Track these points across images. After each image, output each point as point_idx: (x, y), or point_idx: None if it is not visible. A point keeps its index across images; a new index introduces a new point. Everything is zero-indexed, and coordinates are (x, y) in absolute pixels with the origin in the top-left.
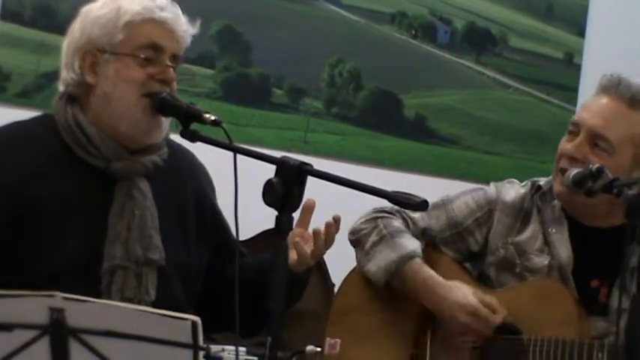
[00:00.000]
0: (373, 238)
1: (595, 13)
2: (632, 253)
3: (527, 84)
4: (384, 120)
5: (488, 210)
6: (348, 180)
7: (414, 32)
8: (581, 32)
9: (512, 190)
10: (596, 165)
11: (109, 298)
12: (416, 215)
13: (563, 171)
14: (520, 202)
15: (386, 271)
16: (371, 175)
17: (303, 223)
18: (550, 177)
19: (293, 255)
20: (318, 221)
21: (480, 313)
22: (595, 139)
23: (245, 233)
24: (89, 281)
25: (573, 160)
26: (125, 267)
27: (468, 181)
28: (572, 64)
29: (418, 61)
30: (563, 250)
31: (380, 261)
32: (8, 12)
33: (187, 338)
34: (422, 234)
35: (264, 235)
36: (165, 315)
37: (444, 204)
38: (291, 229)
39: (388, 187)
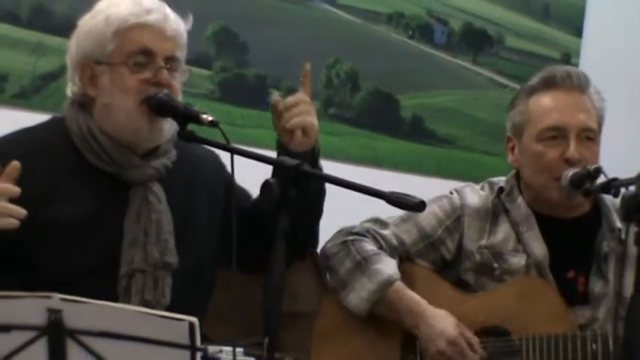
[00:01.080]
0: (347, 264)
1: (592, 13)
2: (603, 239)
3: (523, 84)
4: (381, 121)
5: (456, 217)
6: (345, 180)
7: (411, 33)
8: (578, 32)
9: (474, 194)
10: (594, 165)
11: (128, 301)
12: (386, 232)
13: (559, 178)
14: (485, 204)
15: (368, 301)
16: (368, 175)
17: (305, 88)
18: (506, 176)
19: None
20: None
21: (459, 345)
22: (585, 134)
23: None
24: (105, 285)
25: (575, 163)
26: (144, 270)
27: (465, 182)
28: (569, 64)
29: (415, 62)
30: (538, 246)
31: (360, 292)
32: (5, 13)
33: (185, 339)
34: (394, 249)
35: None
36: (162, 316)
37: (411, 216)
38: (288, 229)
39: (385, 188)
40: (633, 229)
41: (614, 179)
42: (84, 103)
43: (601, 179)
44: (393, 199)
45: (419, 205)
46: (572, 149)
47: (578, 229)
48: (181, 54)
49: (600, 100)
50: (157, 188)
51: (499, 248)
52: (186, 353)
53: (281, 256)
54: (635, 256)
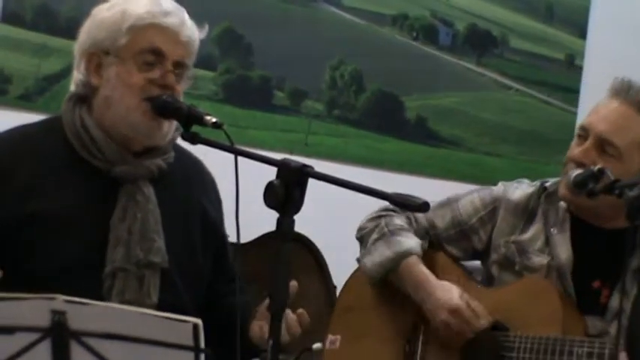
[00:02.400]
0: (374, 235)
1: (596, 14)
2: (633, 256)
3: (528, 85)
4: (385, 122)
5: (492, 208)
6: (349, 182)
7: (415, 34)
8: (582, 34)
9: (520, 190)
10: (598, 166)
11: (110, 300)
12: (420, 215)
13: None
14: (526, 201)
15: (381, 266)
16: (372, 177)
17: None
18: (558, 178)
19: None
20: (319, 223)
21: (463, 314)
22: (603, 145)
23: (246, 235)
24: (91, 284)
25: (581, 165)
26: (126, 269)
27: (470, 183)
28: (573, 65)
29: (419, 63)
30: (564, 250)
31: (375, 257)
32: (9, 14)
33: (189, 340)
34: (426, 232)
35: (266, 237)
36: (166, 317)
37: (450, 203)
38: (292, 231)
39: (389, 189)
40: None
41: (618, 180)
42: (84, 96)
43: (605, 180)
44: (397, 201)
45: (422, 206)
46: (579, 150)
47: (613, 241)
48: (190, 62)
49: None
50: (147, 188)
51: (525, 245)
52: (190, 355)
53: (285, 257)
54: None
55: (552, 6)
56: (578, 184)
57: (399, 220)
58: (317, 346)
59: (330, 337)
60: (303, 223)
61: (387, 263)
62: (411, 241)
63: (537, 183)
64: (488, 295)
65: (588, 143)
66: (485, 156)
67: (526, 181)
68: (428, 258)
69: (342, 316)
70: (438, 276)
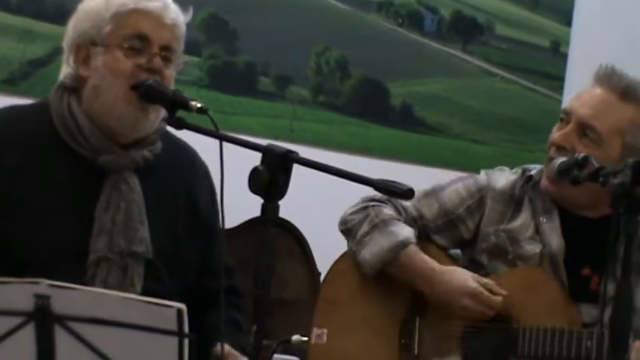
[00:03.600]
0: (365, 227)
1: (581, 2)
2: (619, 242)
3: (513, 72)
4: (370, 108)
5: (479, 197)
6: (334, 168)
7: (400, 20)
8: (567, 21)
9: (503, 177)
10: (582, 154)
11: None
12: (407, 204)
13: (552, 160)
14: (511, 189)
15: (381, 258)
16: (357, 163)
17: None
18: (541, 165)
19: None
20: (305, 209)
21: (481, 296)
22: (584, 129)
23: (231, 221)
24: (75, 273)
25: (562, 149)
26: (108, 259)
27: (455, 170)
28: (558, 52)
29: (405, 50)
30: (554, 238)
31: (374, 248)
32: None
33: (172, 325)
34: (414, 222)
35: (250, 223)
36: (150, 302)
37: (435, 192)
38: (277, 217)
39: (374, 176)
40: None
41: (602, 168)
42: (73, 87)
43: (590, 168)
44: (382, 187)
45: (407, 193)
46: (559, 134)
47: (601, 229)
48: (177, 45)
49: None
50: (132, 178)
51: (516, 234)
52: (174, 339)
53: (269, 242)
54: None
55: None
56: (563, 172)
57: (388, 210)
58: (296, 338)
59: (316, 330)
60: (288, 208)
61: (385, 254)
62: (405, 231)
63: (518, 170)
64: None
65: (569, 127)
66: (470, 143)
67: (506, 168)
68: (421, 248)
69: (326, 309)
70: None
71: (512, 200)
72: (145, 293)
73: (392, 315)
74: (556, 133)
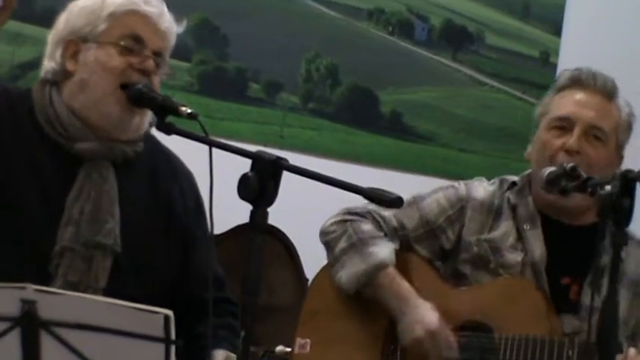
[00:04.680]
0: (342, 244)
1: (572, 12)
2: (604, 252)
3: (503, 82)
4: (360, 116)
5: (460, 207)
6: (324, 175)
7: (391, 29)
8: (557, 31)
9: (481, 188)
10: (570, 164)
11: (55, 280)
12: (387, 214)
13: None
14: (490, 199)
15: (356, 279)
16: (346, 170)
17: None
18: (523, 174)
19: None
20: (293, 216)
21: (438, 338)
22: (592, 131)
23: (219, 227)
24: (41, 262)
25: (575, 153)
26: (73, 249)
27: (443, 178)
28: (548, 63)
29: (395, 58)
30: (537, 246)
31: (351, 269)
32: None
33: (159, 332)
34: (395, 232)
35: (238, 229)
36: (137, 308)
37: (415, 202)
38: (266, 223)
39: (363, 183)
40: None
41: (590, 178)
42: (55, 82)
43: (578, 178)
44: (371, 195)
45: (396, 201)
46: (573, 139)
47: (582, 238)
48: (167, 54)
49: (627, 113)
50: (106, 169)
51: (498, 243)
52: (161, 346)
53: (258, 249)
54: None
55: (528, 3)
56: (551, 182)
57: (367, 226)
58: (280, 348)
59: (300, 340)
60: (277, 215)
61: (362, 277)
62: (384, 251)
63: (496, 181)
64: (466, 296)
65: (578, 132)
66: (459, 152)
67: (484, 179)
68: (402, 260)
69: (309, 320)
70: (412, 278)
71: (492, 210)
72: (108, 289)
73: (375, 327)
74: (558, 140)
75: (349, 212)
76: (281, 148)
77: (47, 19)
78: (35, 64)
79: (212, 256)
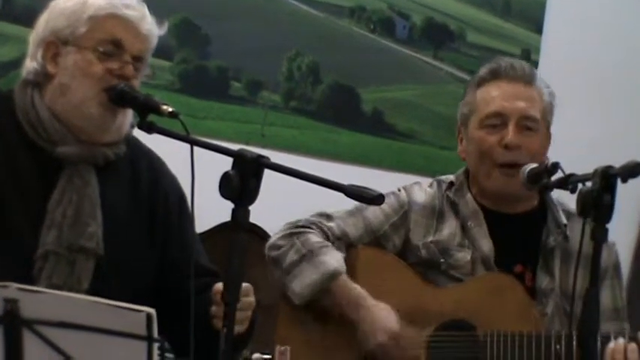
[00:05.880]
0: (292, 256)
1: (552, 9)
2: (548, 237)
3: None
4: (341, 114)
5: (403, 213)
6: (305, 173)
7: (372, 27)
8: (538, 29)
9: (421, 192)
10: (552, 161)
11: (39, 283)
12: (332, 224)
13: (508, 164)
14: (431, 201)
15: (310, 288)
16: (328, 168)
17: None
18: (458, 172)
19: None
20: (275, 214)
21: (400, 339)
22: (525, 122)
23: (201, 226)
24: (24, 266)
25: (515, 147)
26: (57, 253)
27: (425, 176)
28: (529, 60)
29: (376, 56)
30: (484, 242)
31: (304, 280)
32: None
33: (142, 330)
34: (340, 241)
35: (221, 227)
36: (119, 307)
37: (359, 211)
38: (247, 222)
39: (345, 181)
40: (587, 225)
41: (572, 175)
42: (37, 83)
43: (558, 175)
44: (352, 192)
45: (377, 198)
46: (511, 135)
47: (526, 225)
48: (148, 57)
49: (549, 93)
50: (88, 172)
51: (445, 244)
52: (143, 344)
53: (240, 248)
54: (577, 251)
55: (509, 1)
56: (532, 179)
57: (314, 237)
58: (257, 356)
59: (279, 347)
60: (259, 214)
61: (315, 286)
62: (335, 259)
63: (433, 182)
64: (447, 294)
65: (512, 125)
66: (440, 149)
67: (421, 182)
68: (381, 263)
69: (287, 327)
70: (392, 280)
71: (435, 212)
72: (91, 291)
73: (353, 335)
74: (492, 137)
75: (295, 226)
76: (263, 146)
77: (29, 19)
78: (16, 63)
79: (200, 253)
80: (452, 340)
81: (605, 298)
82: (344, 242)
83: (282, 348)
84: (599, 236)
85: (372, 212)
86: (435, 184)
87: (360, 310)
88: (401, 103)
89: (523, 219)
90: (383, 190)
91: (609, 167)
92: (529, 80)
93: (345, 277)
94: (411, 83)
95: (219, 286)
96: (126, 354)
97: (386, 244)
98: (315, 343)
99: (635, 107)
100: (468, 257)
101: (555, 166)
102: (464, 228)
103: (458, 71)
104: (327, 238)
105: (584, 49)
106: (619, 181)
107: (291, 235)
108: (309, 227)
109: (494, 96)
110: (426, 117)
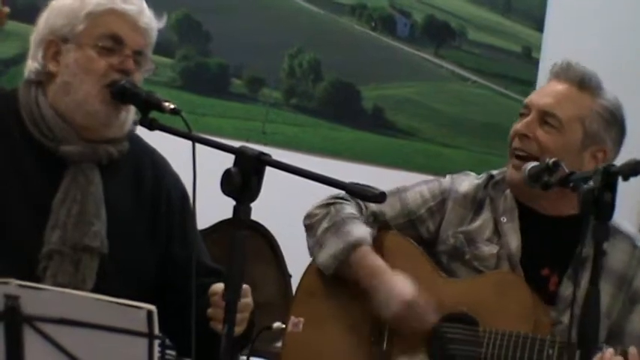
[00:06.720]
0: (324, 224)
1: (553, 7)
2: (586, 244)
3: (485, 77)
4: (342, 111)
5: (441, 199)
6: (306, 171)
7: (373, 24)
8: (539, 27)
9: (467, 182)
10: (553, 159)
11: (43, 282)
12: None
13: (516, 153)
14: (473, 192)
15: (333, 258)
16: (329, 166)
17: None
18: (504, 168)
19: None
20: (275, 211)
21: (415, 307)
22: (544, 117)
23: (203, 223)
24: (29, 265)
25: (524, 137)
26: (61, 252)
27: (426, 174)
28: (530, 58)
29: (377, 53)
30: (513, 239)
31: (328, 249)
32: None
33: (143, 327)
34: (375, 219)
35: (222, 224)
36: (120, 303)
37: (399, 192)
38: (249, 219)
39: (346, 179)
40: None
41: (572, 173)
42: (40, 82)
43: (560, 173)
44: (354, 190)
45: (379, 196)
46: (521, 124)
47: (562, 229)
48: (148, 51)
49: (606, 106)
50: (92, 171)
51: (474, 235)
52: (144, 341)
53: (240, 245)
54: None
55: None
56: (533, 177)
57: (349, 208)
58: (277, 324)
59: (293, 319)
60: (260, 211)
61: (339, 254)
62: (360, 230)
63: (484, 175)
64: (455, 287)
65: (531, 117)
66: (441, 147)
67: (472, 173)
68: (395, 246)
69: (305, 300)
70: (403, 264)
71: (474, 203)
72: (95, 290)
73: (365, 311)
74: (517, 124)
75: (334, 196)
76: (264, 143)
77: (29, 15)
78: (18, 60)
79: (202, 252)
80: (454, 332)
81: (638, 323)
82: (378, 221)
83: (297, 320)
84: (600, 235)
85: (412, 194)
86: (485, 176)
87: (377, 279)
88: (402, 101)
89: (560, 223)
90: (384, 188)
91: (610, 165)
92: (578, 83)
93: (367, 248)
94: (412, 81)
95: (217, 287)
96: (127, 351)
97: (420, 228)
98: (329, 317)
99: (635, 106)
100: (494, 251)
101: (556, 165)
102: (496, 223)
103: (459, 69)
104: (361, 213)
105: (585, 47)
106: (620, 179)
107: (328, 204)
108: (347, 199)
109: (538, 90)
110: (427, 115)
